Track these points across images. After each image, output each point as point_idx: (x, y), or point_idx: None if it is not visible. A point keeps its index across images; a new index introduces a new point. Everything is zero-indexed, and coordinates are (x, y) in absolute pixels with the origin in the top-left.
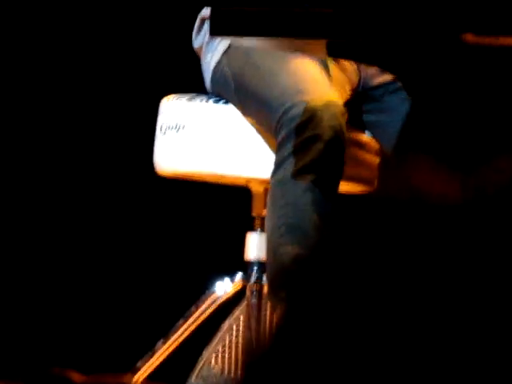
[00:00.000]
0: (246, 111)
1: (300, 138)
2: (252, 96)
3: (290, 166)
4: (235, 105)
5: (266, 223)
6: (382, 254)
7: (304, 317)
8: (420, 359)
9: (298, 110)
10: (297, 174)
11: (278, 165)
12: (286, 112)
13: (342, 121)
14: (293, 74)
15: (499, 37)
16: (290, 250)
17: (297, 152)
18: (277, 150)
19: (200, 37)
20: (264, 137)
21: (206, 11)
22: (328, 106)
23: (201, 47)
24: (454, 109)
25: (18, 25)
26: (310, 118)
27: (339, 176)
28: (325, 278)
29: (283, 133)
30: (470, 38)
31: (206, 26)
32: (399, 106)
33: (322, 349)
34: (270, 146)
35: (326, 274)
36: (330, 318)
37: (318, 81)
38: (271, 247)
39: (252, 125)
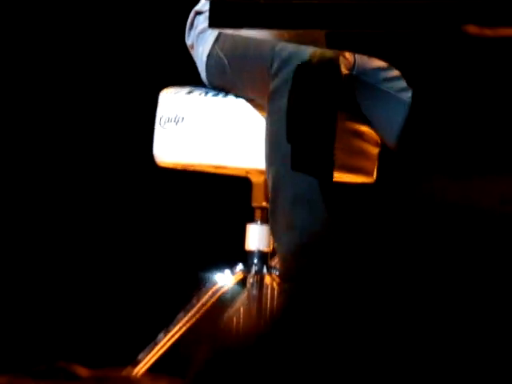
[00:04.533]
0: (242, 81)
1: (292, 65)
2: (245, 57)
3: (284, 96)
4: (232, 85)
5: (266, 156)
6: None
7: (308, 302)
8: (421, 360)
9: (289, 44)
10: (291, 102)
11: (273, 95)
12: (275, 47)
13: (334, 52)
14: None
15: (500, 28)
16: (289, 186)
17: (290, 80)
18: (270, 80)
19: (192, 32)
20: (261, 111)
21: (198, 6)
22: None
23: (192, 44)
24: (455, 101)
25: (12, 20)
26: (301, 49)
27: (336, 101)
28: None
29: (276, 64)
30: (471, 29)
31: (197, 21)
32: (398, 94)
33: (322, 343)
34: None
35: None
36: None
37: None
38: (272, 183)
39: (249, 99)
